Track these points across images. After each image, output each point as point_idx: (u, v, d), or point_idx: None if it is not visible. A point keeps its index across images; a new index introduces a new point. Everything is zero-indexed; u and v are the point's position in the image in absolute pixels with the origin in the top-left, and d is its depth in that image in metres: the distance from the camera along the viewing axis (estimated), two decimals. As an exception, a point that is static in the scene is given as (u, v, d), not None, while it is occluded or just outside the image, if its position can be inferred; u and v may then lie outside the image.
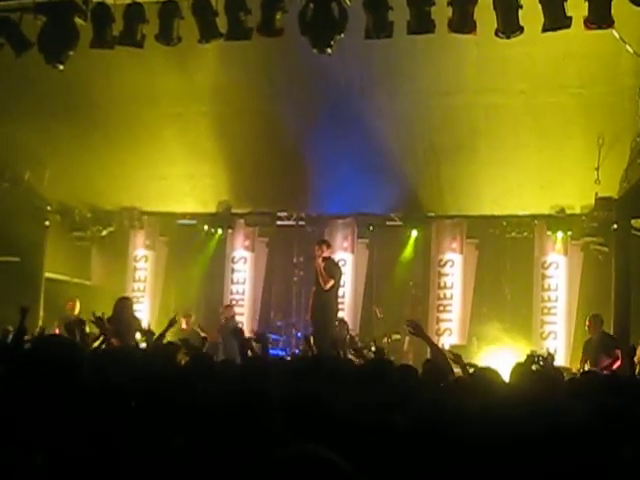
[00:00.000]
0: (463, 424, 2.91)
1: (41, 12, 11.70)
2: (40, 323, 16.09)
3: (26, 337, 7.93)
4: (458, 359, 8.60)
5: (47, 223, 18.12)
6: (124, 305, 12.96)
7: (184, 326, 15.72)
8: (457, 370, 8.04)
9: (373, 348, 13.58)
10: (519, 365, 7.73)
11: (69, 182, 16.97)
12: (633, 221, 14.05)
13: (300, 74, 14.00)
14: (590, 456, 1.38)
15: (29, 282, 16.97)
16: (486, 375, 4.98)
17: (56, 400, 3.24)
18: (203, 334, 13.74)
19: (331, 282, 13.34)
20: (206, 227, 18.02)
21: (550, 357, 10.42)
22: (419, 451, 3.02)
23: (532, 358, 10.21)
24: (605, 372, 11.32)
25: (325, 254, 13.53)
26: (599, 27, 10.33)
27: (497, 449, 1.55)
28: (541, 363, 9.94)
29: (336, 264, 14.03)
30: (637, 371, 9.90)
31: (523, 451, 1.47)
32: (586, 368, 13.07)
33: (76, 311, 15.12)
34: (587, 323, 13.79)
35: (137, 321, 12.98)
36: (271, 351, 12.30)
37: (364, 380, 5.41)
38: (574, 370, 12.99)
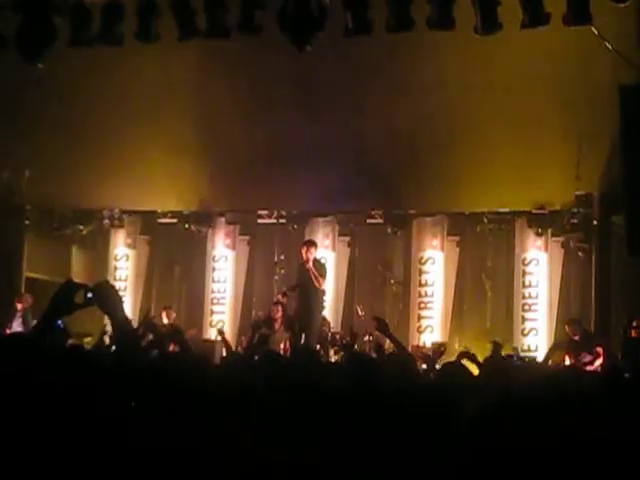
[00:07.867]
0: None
1: (18, 10, 11.60)
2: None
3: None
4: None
5: (27, 222, 18.00)
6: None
7: (165, 320, 15.61)
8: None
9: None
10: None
11: (49, 181, 16.82)
12: (613, 218, 14.11)
13: (280, 73, 13.97)
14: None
15: (9, 282, 16.86)
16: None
17: None
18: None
19: (325, 281, 13.57)
20: (187, 225, 17.96)
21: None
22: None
23: (498, 348, 10.29)
24: (587, 368, 11.42)
25: (314, 255, 13.64)
26: (578, 24, 10.35)
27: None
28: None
29: (322, 263, 14.20)
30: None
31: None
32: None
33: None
34: (567, 329, 13.94)
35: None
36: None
37: None
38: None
